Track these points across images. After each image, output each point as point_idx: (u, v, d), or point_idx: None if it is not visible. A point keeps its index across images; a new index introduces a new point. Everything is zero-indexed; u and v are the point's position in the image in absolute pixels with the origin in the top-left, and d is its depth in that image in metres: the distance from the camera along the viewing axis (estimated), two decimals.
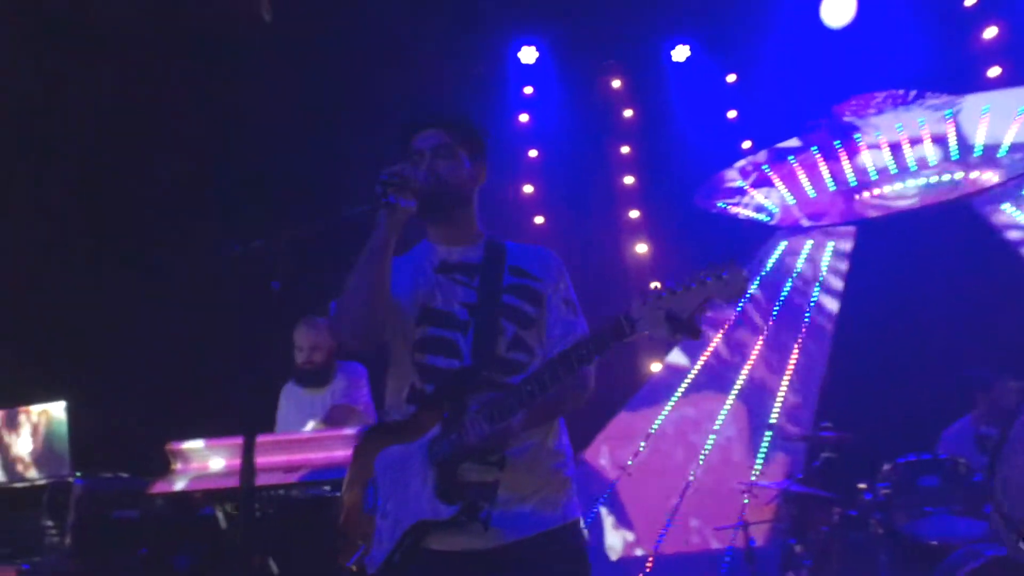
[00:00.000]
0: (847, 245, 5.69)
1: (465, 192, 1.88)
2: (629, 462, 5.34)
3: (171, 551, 2.76)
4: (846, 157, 5.89)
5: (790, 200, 6.01)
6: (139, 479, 2.80)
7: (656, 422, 5.47)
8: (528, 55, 6.18)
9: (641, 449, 5.38)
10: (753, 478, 4.78)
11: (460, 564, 1.64)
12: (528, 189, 6.30)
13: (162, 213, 4.27)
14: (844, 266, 5.63)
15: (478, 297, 1.81)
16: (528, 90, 6.36)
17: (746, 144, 6.13)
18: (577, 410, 1.87)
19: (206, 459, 2.76)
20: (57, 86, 4.13)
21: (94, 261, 4.05)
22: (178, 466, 2.74)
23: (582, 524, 1.80)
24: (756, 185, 6.10)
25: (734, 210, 6.10)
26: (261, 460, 2.75)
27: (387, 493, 1.70)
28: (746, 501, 4.34)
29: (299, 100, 5.07)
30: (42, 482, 2.67)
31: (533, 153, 6.35)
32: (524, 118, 6.39)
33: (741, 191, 6.12)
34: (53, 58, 4.10)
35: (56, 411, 2.74)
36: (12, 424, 2.78)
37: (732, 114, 6.12)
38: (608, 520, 5.19)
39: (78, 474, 2.67)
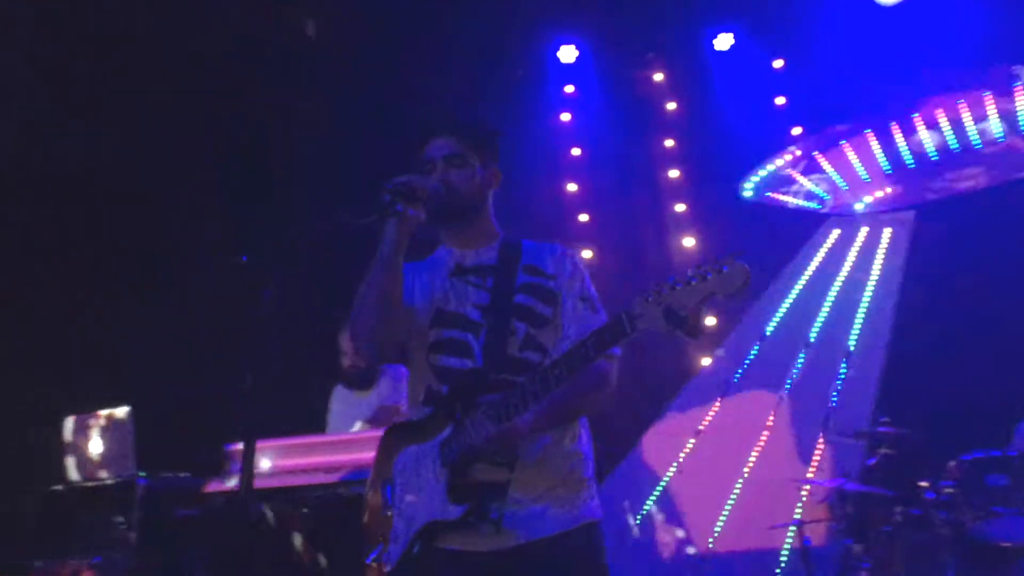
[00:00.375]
0: (905, 230, 5.42)
1: (478, 198, 1.92)
2: (680, 459, 5.27)
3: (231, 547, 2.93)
4: (902, 137, 5.60)
5: (842, 186, 5.78)
6: (199, 479, 2.99)
7: (707, 418, 5.37)
8: (567, 54, 6.17)
9: (691, 445, 5.29)
10: (808, 475, 4.64)
11: (474, 564, 1.67)
12: (572, 187, 6.30)
13: (213, 219, 4.49)
14: (902, 252, 5.36)
15: (490, 298, 1.84)
16: (569, 89, 6.36)
17: (796, 131, 5.92)
18: (600, 410, 1.86)
19: (256, 460, 2.92)
20: (85, 98, 4.37)
21: (149, 271, 4.32)
22: (231, 466, 2.93)
23: (600, 526, 1.78)
24: (806, 172, 5.89)
25: (783, 199, 5.91)
26: (305, 461, 2.92)
27: (403, 493, 1.76)
28: (801, 499, 4.23)
29: (337, 105, 5.25)
30: (110, 481, 2.90)
31: (576, 151, 6.34)
32: (566, 117, 6.38)
33: (790, 179, 5.93)
34: (68, 62, 4.31)
35: (122, 415, 2.98)
36: (84, 428, 3.04)
37: (780, 100, 5.93)
38: (659, 518, 5.13)
39: (142, 474, 2.88)
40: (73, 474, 3.02)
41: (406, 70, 5.63)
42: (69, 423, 3.06)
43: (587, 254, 5.99)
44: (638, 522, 5.10)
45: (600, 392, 1.81)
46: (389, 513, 1.78)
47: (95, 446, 2.97)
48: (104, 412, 3.01)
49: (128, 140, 4.46)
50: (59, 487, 2.99)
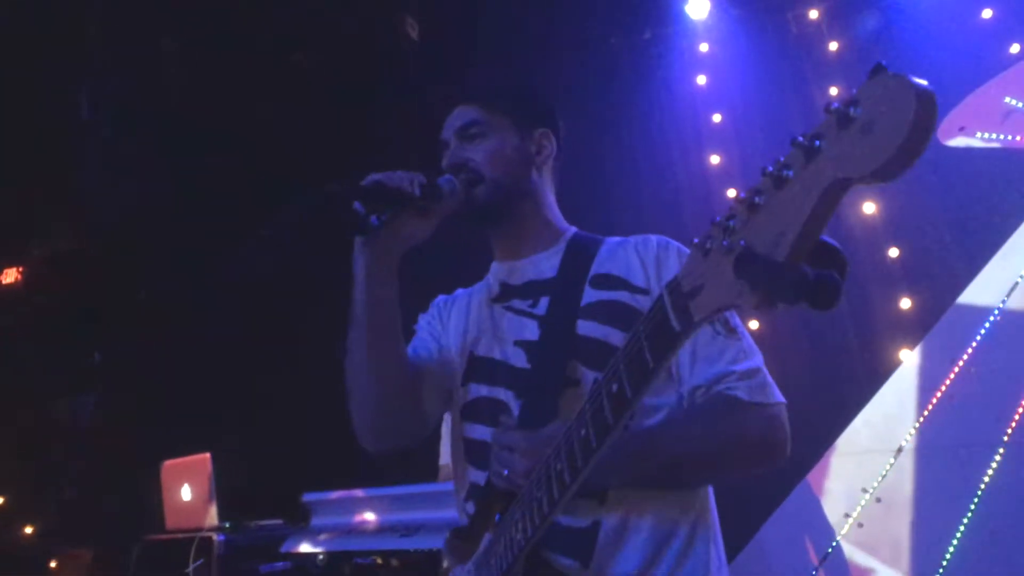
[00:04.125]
0: None
1: (515, 177, 1.35)
2: (876, 483, 4.19)
3: None
4: None
5: None
6: (286, 527, 2.76)
7: (911, 428, 4.22)
8: (697, 8, 5.38)
9: (891, 466, 4.19)
10: None
11: None
12: (715, 159, 5.47)
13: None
14: None
15: (541, 330, 1.24)
16: (703, 48, 5.55)
17: (1013, 48, 4.58)
18: (758, 471, 1.25)
19: (340, 512, 2.63)
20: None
21: (237, 319, 4.33)
22: (315, 519, 2.66)
23: None
24: None
25: (1002, 138, 4.55)
26: (382, 517, 2.54)
27: None
28: None
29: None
30: (191, 535, 2.75)
31: (717, 118, 5.51)
32: (702, 80, 5.57)
33: (1011, 111, 4.55)
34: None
35: (203, 463, 2.83)
36: (174, 476, 2.95)
37: (987, 14, 4.65)
38: (852, 561, 4.11)
39: (227, 525, 2.70)
40: (166, 522, 2.95)
41: (523, 52, 5.34)
42: (163, 470, 2.99)
43: None
44: (823, 561, 4.13)
45: (741, 452, 1.20)
46: None
47: (184, 494, 2.85)
48: (186, 459, 2.89)
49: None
50: (153, 536, 2.92)
